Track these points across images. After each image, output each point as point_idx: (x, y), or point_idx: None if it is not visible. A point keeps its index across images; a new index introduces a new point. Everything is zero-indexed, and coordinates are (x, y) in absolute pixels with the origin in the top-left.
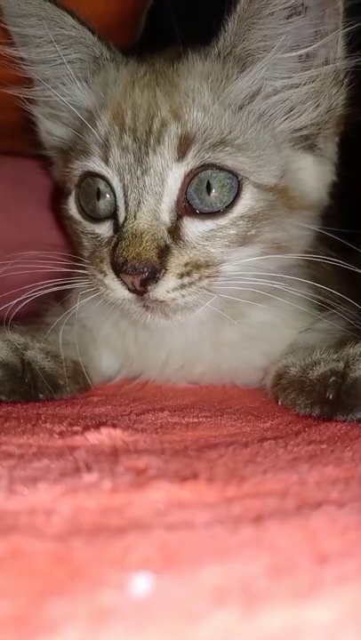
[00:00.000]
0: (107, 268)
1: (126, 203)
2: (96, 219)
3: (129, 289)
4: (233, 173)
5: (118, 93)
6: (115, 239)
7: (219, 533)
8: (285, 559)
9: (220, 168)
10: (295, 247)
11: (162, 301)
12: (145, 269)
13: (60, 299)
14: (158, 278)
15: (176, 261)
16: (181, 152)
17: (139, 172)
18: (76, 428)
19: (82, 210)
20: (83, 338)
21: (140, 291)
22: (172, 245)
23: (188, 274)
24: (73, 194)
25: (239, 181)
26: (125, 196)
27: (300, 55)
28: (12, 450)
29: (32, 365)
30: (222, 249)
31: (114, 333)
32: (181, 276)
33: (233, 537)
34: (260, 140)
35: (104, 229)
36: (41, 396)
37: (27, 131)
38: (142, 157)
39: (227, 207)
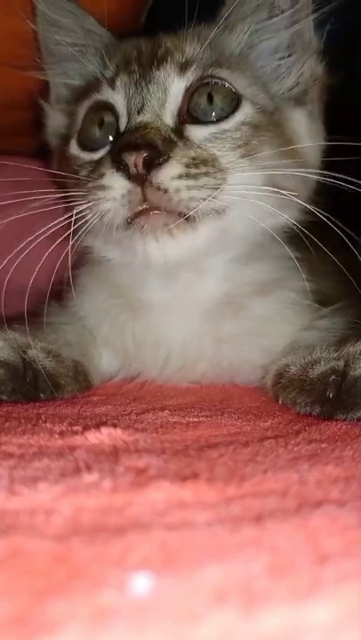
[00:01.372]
0: (106, 168)
1: (129, 112)
2: (95, 148)
3: (129, 176)
4: (231, 87)
5: (126, 47)
6: (115, 143)
7: (219, 533)
8: (286, 559)
9: (220, 80)
10: (293, 192)
11: (165, 192)
12: (149, 147)
13: (61, 299)
14: (162, 162)
15: (181, 152)
16: (183, 69)
17: (143, 83)
18: (76, 428)
19: (82, 145)
20: (83, 337)
21: (142, 175)
22: (177, 141)
23: (196, 166)
24: (75, 135)
25: (238, 96)
26: (129, 107)
27: (280, 20)
28: (12, 450)
29: (33, 365)
30: (227, 152)
31: (113, 331)
32: (187, 165)
33: (233, 536)
34: (253, 81)
35: (103, 150)
36: (42, 395)
37: (27, 132)
38: (146, 73)
39: (229, 114)
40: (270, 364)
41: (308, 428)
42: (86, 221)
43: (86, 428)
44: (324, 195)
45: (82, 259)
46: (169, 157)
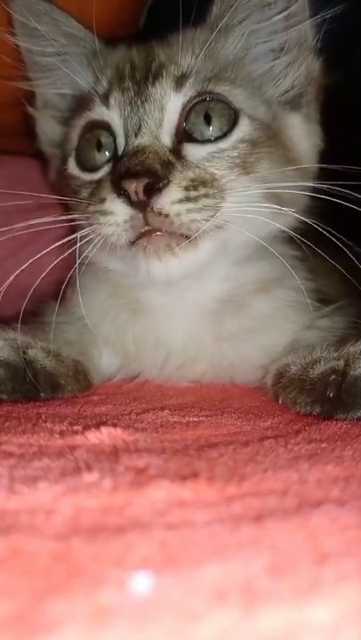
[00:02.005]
0: (106, 193)
1: (126, 133)
2: (95, 169)
3: (131, 203)
4: (228, 104)
5: (117, 58)
6: (114, 168)
7: (219, 532)
8: (286, 558)
9: (217, 98)
10: (290, 203)
11: (166, 217)
12: (148, 173)
13: (60, 298)
14: (162, 187)
15: (180, 175)
16: (179, 84)
17: (138, 102)
18: (76, 428)
19: (81, 165)
20: (83, 337)
21: (143, 202)
22: (176, 162)
23: (195, 188)
24: (73, 153)
25: (235, 112)
26: (125, 127)
27: (272, 23)
28: (12, 449)
29: (33, 364)
30: (225, 171)
31: (113, 331)
32: (187, 188)
33: (233, 536)
34: (249, 88)
35: (102, 171)
36: (42, 395)
37: (25, 132)
38: (142, 90)
39: (226, 132)
40: (270, 363)
41: (308, 427)
42: (89, 240)
43: (86, 428)
44: (322, 199)
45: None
46: (168, 182)
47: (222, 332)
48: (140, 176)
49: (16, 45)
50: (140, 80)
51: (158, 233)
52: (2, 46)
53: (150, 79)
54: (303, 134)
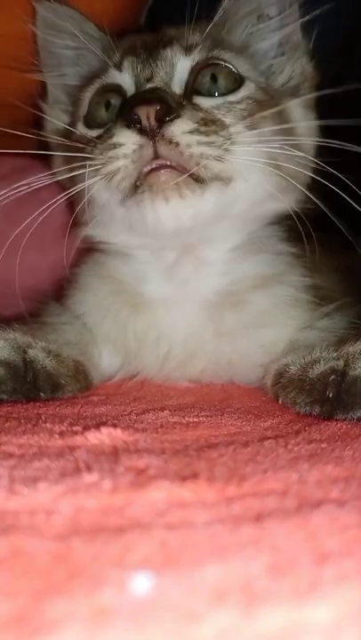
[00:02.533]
0: (115, 129)
1: (137, 85)
2: (102, 125)
3: (141, 131)
4: (234, 69)
5: (128, 41)
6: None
7: (219, 533)
8: (286, 558)
9: (223, 63)
10: (292, 176)
11: (177, 146)
12: (160, 102)
13: (60, 298)
14: (174, 118)
15: (190, 113)
16: (188, 50)
17: (150, 61)
18: (76, 428)
19: (88, 125)
20: (83, 336)
21: (153, 128)
22: (187, 104)
23: (205, 124)
24: (82, 118)
25: (240, 77)
26: (137, 82)
27: (271, 23)
28: (12, 450)
29: (34, 364)
30: (234, 120)
31: (114, 328)
32: (197, 122)
33: (233, 536)
34: (254, 66)
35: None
36: (42, 395)
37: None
38: (153, 52)
39: (233, 90)
40: (270, 363)
41: (308, 427)
42: (92, 198)
43: (86, 428)
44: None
45: (80, 258)
46: (180, 114)
47: (221, 327)
48: (153, 102)
49: (33, 36)
50: (151, 48)
51: (165, 170)
52: (14, 40)
53: (162, 45)
54: (302, 116)
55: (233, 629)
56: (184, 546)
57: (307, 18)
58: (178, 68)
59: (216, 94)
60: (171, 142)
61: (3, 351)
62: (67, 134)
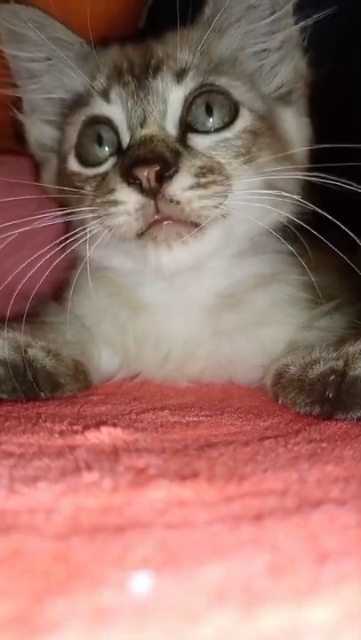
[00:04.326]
0: (115, 183)
1: (130, 126)
2: (97, 163)
3: (142, 190)
4: (228, 95)
5: (112, 56)
6: (122, 159)
7: (219, 532)
8: (285, 558)
9: (217, 90)
10: (288, 190)
11: (178, 203)
12: (159, 160)
13: (59, 299)
14: (173, 174)
15: (188, 163)
16: (179, 77)
17: (141, 95)
18: (76, 428)
19: (82, 161)
20: (82, 336)
21: (154, 189)
22: (183, 151)
23: (204, 175)
24: (72, 151)
25: (235, 104)
26: (129, 120)
27: (263, 25)
28: (12, 449)
29: (33, 364)
30: (231, 159)
31: (113, 329)
32: (197, 175)
33: (233, 535)
34: (248, 85)
35: (107, 164)
36: (42, 394)
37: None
38: (142, 84)
39: (228, 123)
40: (270, 364)
41: (308, 427)
42: (93, 236)
43: (86, 428)
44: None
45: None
46: (178, 169)
47: (221, 328)
48: (152, 163)
49: (1, 52)
50: (139, 74)
51: (167, 222)
52: None
53: (150, 73)
54: (295, 127)
55: (233, 629)
56: (184, 545)
57: (307, 22)
58: (170, 101)
59: (211, 130)
60: (172, 201)
61: (2, 350)
62: (51, 149)
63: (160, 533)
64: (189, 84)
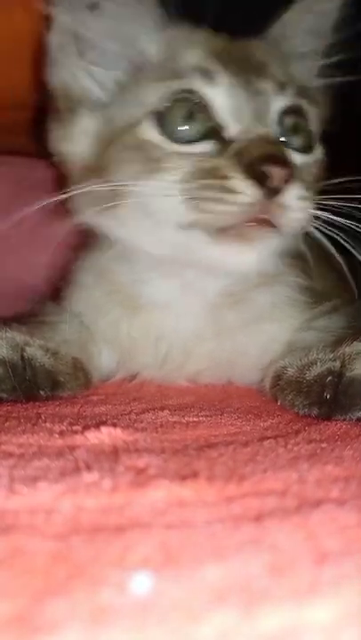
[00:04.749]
0: (231, 171)
1: (240, 118)
2: (187, 141)
3: (263, 187)
4: (309, 123)
5: (201, 38)
6: (232, 148)
7: (219, 532)
8: (285, 558)
9: (304, 114)
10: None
11: (285, 209)
12: (289, 163)
13: (57, 298)
14: (292, 182)
15: (299, 175)
16: (281, 87)
17: (251, 90)
18: (76, 428)
19: (164, 132)
20: (81, 335)
21: (277, 190)
22: (291, 163)
23: (307, 188)
24: (150, 117)
25: (310, 133)
26: (238, 111)
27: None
28: (12, 449)
29: (32, 362)
30: (308, 185)
31: (109, 328)
32: (304, 188)
33: (233, 536)
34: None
35: (203, 147)
36: (42, 392)
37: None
38: (251, 81)
39: (307, 149)
40: (268, 366)
41: (308, 427)
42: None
43: (86, 428)
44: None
45: (77, 255)
46: (294, 179)
47: (222, 325)
48: (284, 165)
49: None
50: (245, 69)
51: (262, 223)
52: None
53: (256, 74)
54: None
55: (233, 629)
56: (184, 545)
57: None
58: (272, 108)
59: (295, 146)
60: (282, 205)
61: (1, 349)
62: (82, 101)
63: (160, 533)
64: (289, 98)
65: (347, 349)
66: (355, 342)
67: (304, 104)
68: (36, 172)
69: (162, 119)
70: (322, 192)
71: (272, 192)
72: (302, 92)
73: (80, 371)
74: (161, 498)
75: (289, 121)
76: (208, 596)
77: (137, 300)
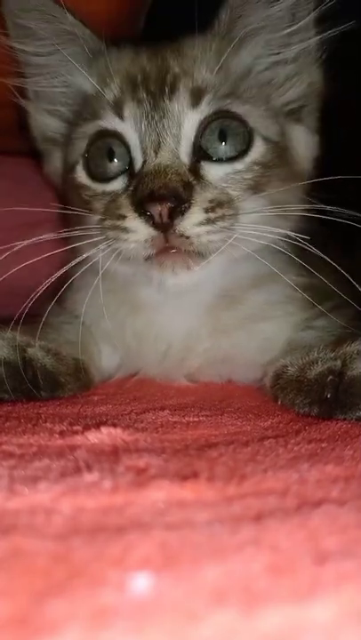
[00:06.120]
0: (126, 210)
1: (143, 149)
2: (107, 179)
3: (154, 223)
4: (243, 123)
5: (124, 64)
6: (133, 183)
7: (219, 532)
8: (286, 558)
9: (233, 117)
10: (291, 212)
11: (187, 238)
12: (172, 197)
13: (58, 298)
14: (185, 210)
15: (200, 197)
16: (195, 99)
17: (156, 117)
18: (76, 428)
19: (90, 174)
20: (82, 335)
21: (166, 224)
22: (195, 184)
23: (213, 210)
24: (80, 161)
25: (249, 132)
26: (142, 142)
27: (282, 36)
28: (12, 449)
29: (33, 363)
30: (240, 192)
31: (112, 326)
32: (207, 210)
33: (233, 536)
34: (260, 104)
35: (117, 184)
36: (43, 393)
37: (21, 129)
38: (158, 104)
39: (241, 152)
40: (268, 365)
41: (308, 427)
42: (98, 248)
43: (86, 428)
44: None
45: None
46: (190, 205)
47: (219, 324)
48: (165, 200)
49: (9, 45)
50: (154, 92)
51: (175, 250)
52: None
53: (166, 92)
54: (305, 145)
55: (233, 629)
56: (184, 546)
57: (325, 35)
58: (185, 126)
59: (224, 158)
60: (182, 235)
61: (1, 350)
62: (54, 142)
63: (160, 534)
64: (205, 109)
65: (348, 349)
66: (355, 342)
67: (235, 105)
68: (35, 173)
69: (89, 163)
70: (318, 185)
71: (163, 227)
72: (238, 85)
73: (81, 371)
74: (161, 498)
75: (213, 129)
76: (208, 596)
77: (137, 299)
